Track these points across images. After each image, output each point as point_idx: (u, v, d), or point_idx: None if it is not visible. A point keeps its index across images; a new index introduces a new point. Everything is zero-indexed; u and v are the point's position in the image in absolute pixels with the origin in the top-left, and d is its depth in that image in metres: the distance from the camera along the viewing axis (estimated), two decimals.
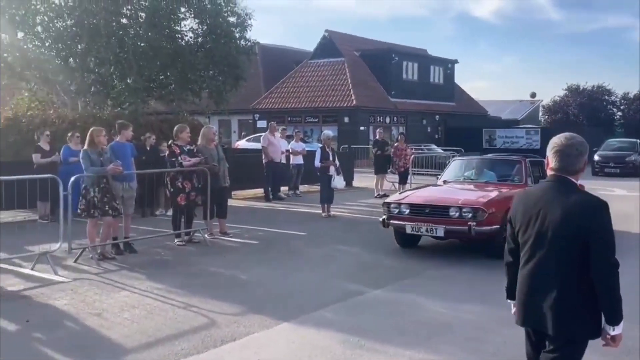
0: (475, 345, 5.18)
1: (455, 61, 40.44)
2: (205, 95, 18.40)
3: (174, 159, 9.38)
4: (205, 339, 5.30)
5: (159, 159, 11.74)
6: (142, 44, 16.08)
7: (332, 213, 12.97)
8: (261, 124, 33.11)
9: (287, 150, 16.46)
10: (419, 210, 8.74)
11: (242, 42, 17.96)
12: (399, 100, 35.08)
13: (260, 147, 15.97)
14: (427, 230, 8.55)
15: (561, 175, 3.12)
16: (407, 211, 8.83)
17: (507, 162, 10.43)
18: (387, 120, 34.88)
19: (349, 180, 18.26)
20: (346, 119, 32.67)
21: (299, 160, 16.67)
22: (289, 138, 17.84)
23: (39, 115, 15.02)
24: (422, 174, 18.72)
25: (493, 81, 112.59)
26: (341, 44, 35.77)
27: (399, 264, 8.39)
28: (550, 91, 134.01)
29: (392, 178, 17.31)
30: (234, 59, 17.39)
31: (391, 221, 8.96)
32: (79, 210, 8.34)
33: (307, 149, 17.37)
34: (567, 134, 3.20)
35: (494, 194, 8.80)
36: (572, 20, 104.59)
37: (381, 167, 16.81)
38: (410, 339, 5.29)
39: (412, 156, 17.08)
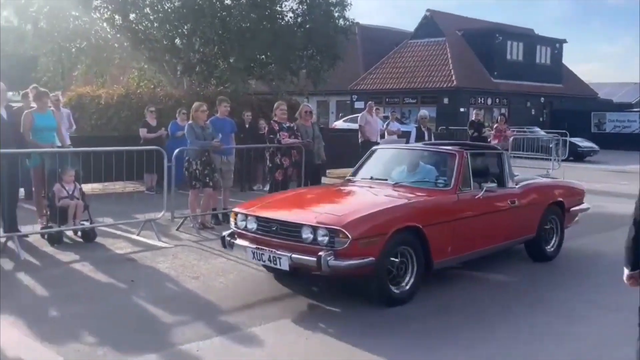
0: None
1: (564, 41, 38.51)
2: (304, 76, 18.67)
3: (272, 136, 9.64)
4: (287, 306, 5.54)
5: (257, 137, 12.12)
6: (244, 25, 16.51)
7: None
8: (359, 105, 33.12)
9: (382, 130, 16.41)
10: (266, 228, 5.64)
11: (341, 21, 18.03)
12: (501, 81, 33.96)
13: (357, 128, 16.03)
14: (269, 260, 5.46)
15: None
16: (255, 227, 5.76)
17: (437, 155, 6.93)
18: (489, 101, 33.88)
19: None
20: (445, 100, 32.06)
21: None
22: (384, 119, 17.78)
23: (148, 93, 15.88)
24: (522, 157, 18.11)
25: (606, 63, 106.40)
26: (443, 23, 35.00)
27: None
28: None
29: None
30: (332, 38, 17.50)
31: (236, 240, 5.92)
32: (183, 179, 8.83)
33: (402, 129, 17.26)
34: None
35: (379, 206, 5.64)
36: None
37: None
38: None
39: (512, 138, 16.55)
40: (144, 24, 17.21)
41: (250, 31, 16.29)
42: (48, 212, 8.00)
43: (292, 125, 9.90)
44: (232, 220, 6.12)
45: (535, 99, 36.26)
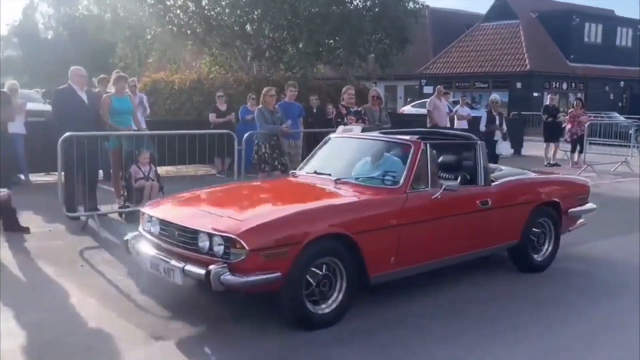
0: None
1: None
2: (372, 60, 18.62)
3: (339, 120, 9.70)
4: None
5: (325, 121, 12.19)
6: (313, 10, 16.58)
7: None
8: (427, 89, 32.70)
9: (451, 114, 16.19)
10: (167, 232, 4.74)
11: (411, 4, 17.85)
12: (578, 65, 32.73)
13: (426, 112, 15.88)
14: (165, 272, 4.55)
15: None
16: (158, 230, 4.86)
17: (390, 146, 5.69)
18: (564, 86, 32.76)
19: (517, 148, 17.56)
20: (518, 85, 31.22)
21: (464, 125, 16.28)
22: (454, 104, 17.51)
23: (219, 78, 16.24)
24: (599, 144, 17.46)
25: None
26: (517, 5, 33.97)
27: None
28: None
29: (566, 147, 16.37)
30: (401, 21, 17.36)
31: (137, 244, 4.97)
32: (252, 162, 9.03)
33: (472, 114, 16.96)
34: None
35: (294, 209, 4.67)
36: None
37: (552, 134, 15.95)
38: None
39: (588, 123, 15.96)
40: (215, 10, 17.57)
41: (319, 16, 16.36)
42: (125, 193, 8.37)
43: (359, 109, 9.94)
44: (140, 220, 5.22)
45: (614, 83, 34.77)
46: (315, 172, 5.80)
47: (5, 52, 53.59)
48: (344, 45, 17.50)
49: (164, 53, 18.44)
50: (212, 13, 17.57)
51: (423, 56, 34.78)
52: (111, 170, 9.12)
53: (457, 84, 33.23)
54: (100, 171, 9.41)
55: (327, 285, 4.53)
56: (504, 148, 12.55)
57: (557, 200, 6.28)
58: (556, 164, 15.52)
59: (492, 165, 6.66)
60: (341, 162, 5.84)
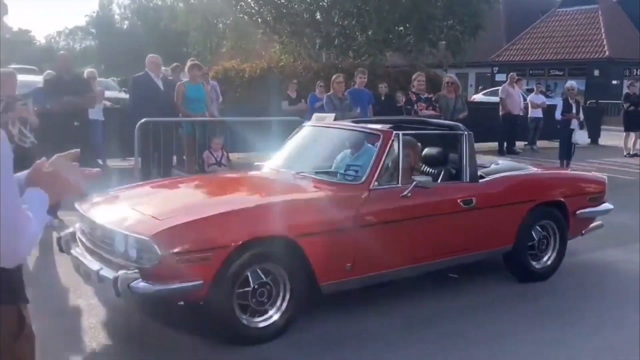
0: None
1: None
2: (443, 47, 18.31)
3: (409, 107, 9.58)
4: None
5: (393, 109, 12.07)
6: None
7: (570, 170, 12.18)
8: (499, 77, 31.85)
9: (526, 103, 15.75)
10: (92, 231, 4.26)
11: None
12: None
13: (498, 101, 15.50)
14: (84, 274, 4.05)
15: None
16: (87, 229, 4.34)
17: (359, 137, 5.08)
18: None
19: (594, 137, 16.89)
20: (596, 72, 29.98)
21: (538, 113, 15.82)
22: (528, 92, 17.01)
23: (288, 66, 16.36)
24: None
25: None
26: None
27: None
28: None
29: None
30: (474, 7, 16.98)
31: (72, 243, 4.41)
32: None
33: (547, 102, 16.43)
34: None
35: (222, 208, 4.07)
36: None
37: (632, 123, 15.25)
38: None
39: None
40: None
41: (388, 2, 16.20)
42: None
43: (430, 96, 9.77)
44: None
45: None
46: (278, 165, 5.17)
47: (83, 43, 55.80)
48: (414, 32, 17.30)
49: (235, 42, 18.73)
50: (283, 1, 17.69)
51: (496, 43, 33.88)
52: (184, 157, 9.35)
53: (530, 72, 32.21)
54: (174, 157, 9.67)
55: (266, 296, 3.91)
56: (581, 137, 12.08)
57: (561, 199, 5.42)
58: (636, 154, 14.85)
59: (487, 160, 5.99)
60: (307, 154, 5.25)
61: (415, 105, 9.40)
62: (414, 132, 5.15)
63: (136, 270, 3.62)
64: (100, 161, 11.26)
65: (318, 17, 17.53)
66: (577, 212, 5.55)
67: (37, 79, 10.56)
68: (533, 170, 5.84)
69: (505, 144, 15.20)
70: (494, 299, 4.93)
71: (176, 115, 8.32)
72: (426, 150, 5.41)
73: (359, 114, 9.31)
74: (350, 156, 4.93)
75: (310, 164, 4.96)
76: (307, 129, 5.56)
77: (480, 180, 5.04)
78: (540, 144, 16.57)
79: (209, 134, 8.45)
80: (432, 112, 9.39)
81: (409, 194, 4.46)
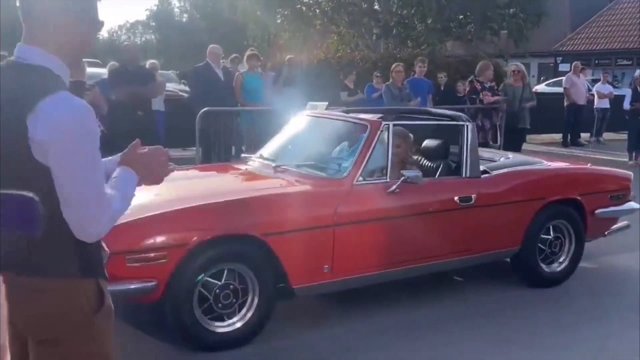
0: None
1: None
2: (504, 36, 17.86)
3: (474, 96, 9.38)
4: None
5: (453, 99, 11.83)
6: None
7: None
8: (563, 67, 30.82)
9: (591, 93, 15.20)
10: None
11: None
12: None
13: (561, 91, 15.01)
14: None
15: None
16: None
17: (346, 127, 4.82)
18: None
19: None
20: None
21: (605, 104, 15.23)
22: (593, 82, 16.42)
23: (346, 57, 16.26)
24: None
25: None
26: None
27: None
28: None
29: None
30: None
31: None
32: None
33: (615, 93, 15.80)
34: None
35: (183, 204, 3.77)
36: None
37: None
38: None
39: None
40: None
41: None
42: None
43: (493, 85, 9.57)
44: None
45: None
46: (261, 156, 4.85)
47: (143, 37, 57.15)
48: (475, 21, 16.91)
49: (294, 33, 18.75)
50: None
51: (560, 32, 32.78)
52: (243, 147, 9.41)
53: (596, 62, 31.05)
54: (232, 147, 9.75)
55: (232, 298, 3.67)
56: None
57: (577, 197, 4.97)
58: None
59: (496, 153, 5.60)
60: (296, 146, 4.88)
61: (481, 94, 9.20)
62: (406, 122, 4.82)
63: None
64: None
65: (376, 6, 17.37)
66: (596, 211, 5.10)
67: (102, 72, 10.82)
68: (545, 164, 5.38)
69: (569, 136, 14.73)
70: (499, 305, 4.63)
71: (236, 105, 8.38)
72: (425, 143, 5.05)
73: (419, 104, 9.18)
74: (348, 149, 4.55)
75: (297, 157, 4.60)
76: (298, 119, 5.13)
77: (482, 176, 4.66)
78: (607, 136, 15.99)
79: (268, 124, 8.47)
80: (497, 98, 9.20)
81: (397, 190, 4.12)
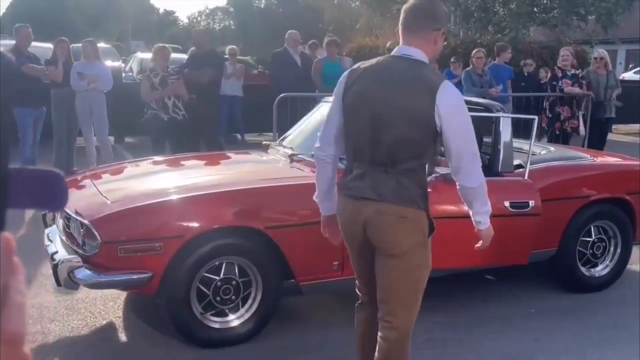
0: None
1: None
2: (592, 21, 17.05)
3: (554, 83, 9.04)
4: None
5: (537, 87, 11.44)
6: None
7: None
8: None
9: None
10: (68, 215, 3.69)
11: None
12: None
13: None
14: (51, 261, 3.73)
15: None
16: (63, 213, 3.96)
17: None
18: None
19: None
20: None
21: None
22: None
23: None
24: None
25: None
26: None
27: None
28: None
29: None
30: None
31: (53, 224, 4.11)
32: None
33: None
34: None
35: (183, 193, 3.64)
36: None
37: None
38: None
39: None
40: None
41: None
42: None
43: (577, 72, 9.16)
44: None
45: None
46: (281, 143, 4.68)
47: (222, 23, 58.18)
48: (561, 5, 16.20)
49: (370, 19, 18.61)
50: None
51: None
52: (318, 133, 9.44)
53: None
54: None
55: (233, 294, 3.52)
56: None
57: (625, 197, 4.53)
58: None
59: (537, 146, 5.06)
60: (315, 134, 4.35)
61: (560, 82, 8.86)
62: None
63: (79, 258, 3.34)
64: (238, 136, 11.70)
65: None
66: None
67: (183, 57, 11.10)
68: (589, 159, 4.89)
69: None
70: (530, 308, 4.31)
71: (314, 91, 8.40)
72: None
73: (500, 91, 8.92)
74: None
75: (307, 144, 4.17)
76: (325, 106, 4.52)
77: (516, 171, 4.26)
78: None
79: None
80: (578, 91, 8.79)
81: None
